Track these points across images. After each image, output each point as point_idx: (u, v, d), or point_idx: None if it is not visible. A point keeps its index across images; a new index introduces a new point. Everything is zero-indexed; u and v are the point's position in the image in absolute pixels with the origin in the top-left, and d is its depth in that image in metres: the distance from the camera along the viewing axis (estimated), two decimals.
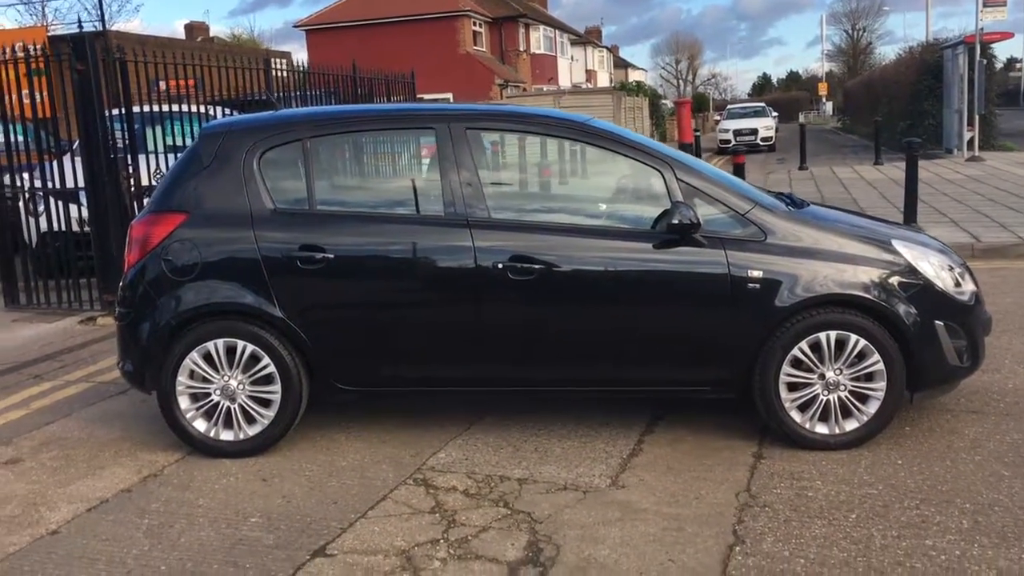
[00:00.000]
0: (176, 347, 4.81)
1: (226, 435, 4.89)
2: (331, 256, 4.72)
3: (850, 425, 4.73)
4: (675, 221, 4.56)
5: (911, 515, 3.99)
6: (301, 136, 4.91)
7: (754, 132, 32.54)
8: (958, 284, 4.88)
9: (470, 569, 3.69)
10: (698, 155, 26.63)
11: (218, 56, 9.87)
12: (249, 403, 4.86)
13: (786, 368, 4.70)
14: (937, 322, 4.72)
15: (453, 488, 4.46)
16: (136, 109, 8.66)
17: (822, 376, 4.70)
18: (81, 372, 6.78)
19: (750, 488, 4.34)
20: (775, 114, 36.66)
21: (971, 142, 22.91)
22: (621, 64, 76.78)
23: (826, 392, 4.71)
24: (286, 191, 4.90)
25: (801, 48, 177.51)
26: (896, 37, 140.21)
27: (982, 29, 22.61)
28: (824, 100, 78.89)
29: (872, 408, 4.71)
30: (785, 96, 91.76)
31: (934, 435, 4.89)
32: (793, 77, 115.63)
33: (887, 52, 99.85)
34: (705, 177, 4.84)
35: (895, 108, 29.56)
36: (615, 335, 4.77)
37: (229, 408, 4.86)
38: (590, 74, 59.40)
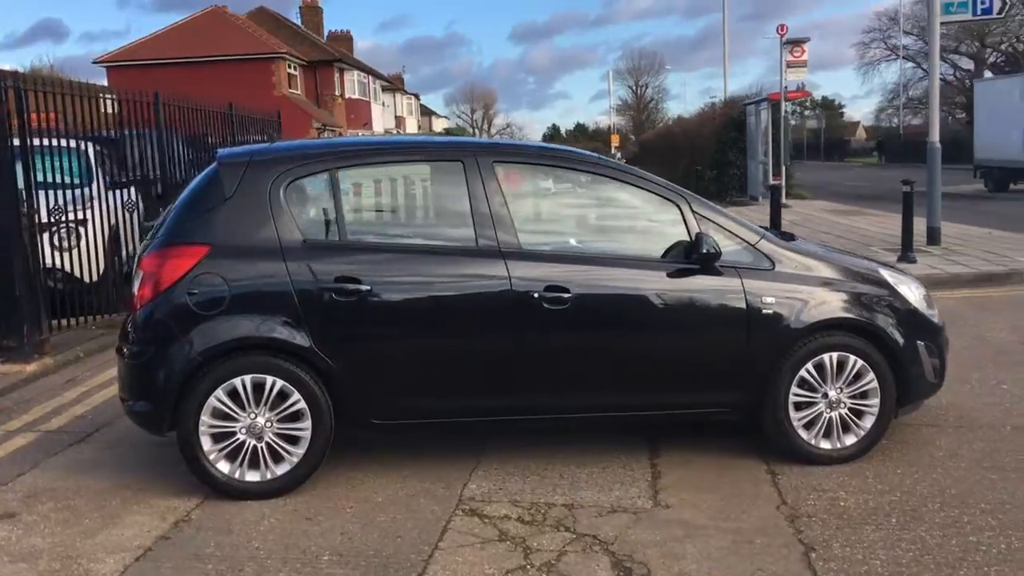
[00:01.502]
0: (201, 385, 4.59)
1: (252, 476, 4.69)
2: (367, 288, 4.67)
3: (849, 440, 5.11)
4: (704, 250, 4.82)
5: (942, 517, 4.38)
6: (328, 167, 4.85)
7: None
8: (929, 307, 5.40)
9: None
10: None
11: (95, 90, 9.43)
12: (277, 441, 4.69)
13: (794, 389, 5.03)
14: (919, 342, 5.20)
15: (506, 516, 4.49)
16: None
17: (825, 395, 5.06)
18: (16, 422, 6.24)
19: (786, 501, 4.61)
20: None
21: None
22: (426, 111, 77.76)
23: (829, 410, 5.07)
24: (314, 222, 4.83)
25: (585, 102, 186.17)
26: (671, 95, 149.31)
27: (787, 87, 24.66)
28: (615, 151, 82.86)
29: (868, 423, 5.11)
30: (578, 147, 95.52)
31: (911, 448, 5.34)
32: (580, 129, 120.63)
33: (671, 108, 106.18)
34: (716, 210, 5.15)
35: (699, 159, 31.44)
36: (644, 361, 4.96)
37: (255, 447, 4.68)
38: (400, 120, 59.78)
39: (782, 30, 24.30)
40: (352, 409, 4.77)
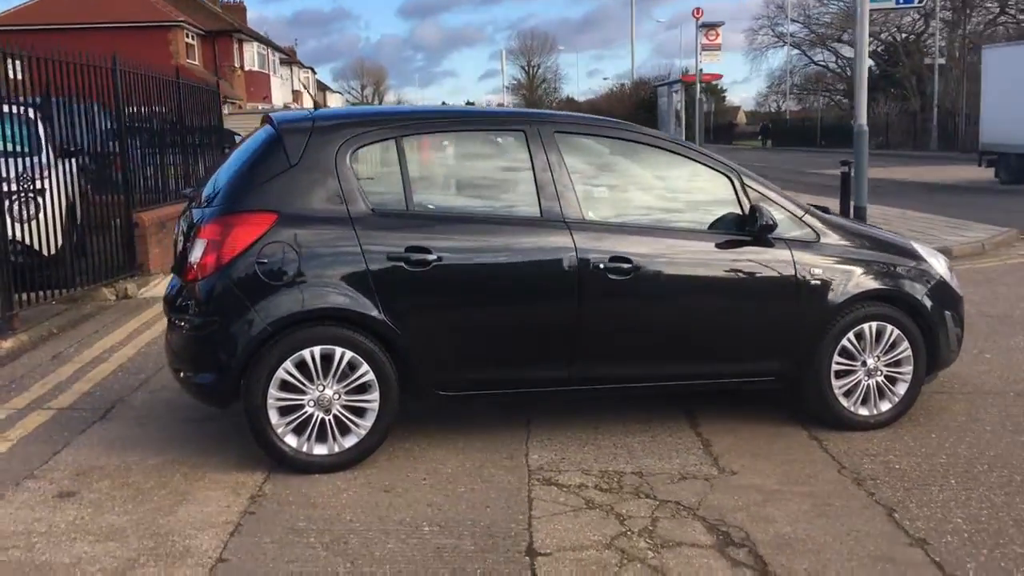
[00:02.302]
0: (269, 357, 4.46)
1: (319, 449, 4.59)
2: (438, 258, 4.61)
3: (885, 406, 5.31)
4: (763, 222, 4.93)
5: (995, 477, 4.60)
6: (393, 134, 4.76)
7: None
8: (953, 279, 5.64)
9: (685, 555, 3.80)
10: None
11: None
12: (345, 414, 4.60)
13: (836, 357, 5.19)
14: (946, 312, 5.43)
15: (582, 485, 4.51)
16: None
17: (864, 363, 5.24)
18: (20, 400, 5.92)
19: (844, 466, 4.76)
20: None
21: None
22: (321, 86, 76.24)
23: (867, 378, 5.26)
24: (381, 191, 4.72)
25: (474, 80, 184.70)
26: (560, 75, 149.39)
27: (701, 70, 25.20)
28: None
29: (901, 390, 5.32)
30: None
31: (932, 414, 5.57)
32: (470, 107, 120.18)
33: (562, 88, 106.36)
34: (764, 183, 5.26)
35: None
36: (700, 331, 5.05)
37: (323, 420, 4.57)
38: (296, 94, 58.42)
39: (698, 14, 24.78)
40: (418, 380, 4.71)
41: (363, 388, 4.61)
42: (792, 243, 5.12)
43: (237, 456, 4.78)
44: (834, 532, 4.01)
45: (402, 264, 4.57)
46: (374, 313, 4.54)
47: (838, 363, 5.20)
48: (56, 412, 5.66)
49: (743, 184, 5.14)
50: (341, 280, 4.53)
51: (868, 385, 5.27)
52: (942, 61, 48.15)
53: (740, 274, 5.05)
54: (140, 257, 9.76)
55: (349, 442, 4.62)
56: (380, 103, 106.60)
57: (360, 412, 4.63)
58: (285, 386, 4.51)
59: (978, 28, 54.02)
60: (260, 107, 41.23)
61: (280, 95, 51.93)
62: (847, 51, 65.21)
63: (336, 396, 4.57)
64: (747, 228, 5.03)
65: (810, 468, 4.75)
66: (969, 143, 43.45)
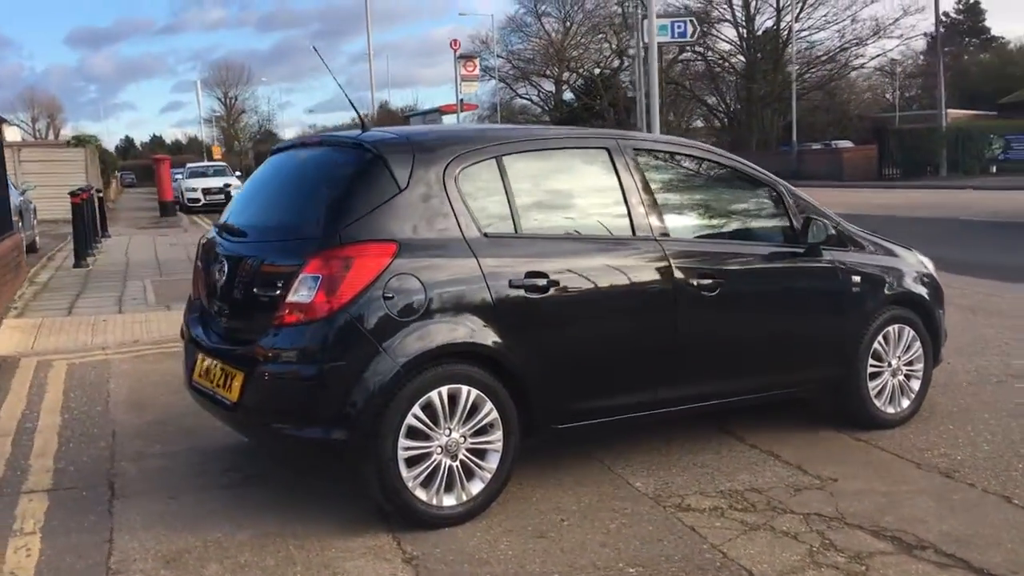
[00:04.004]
0: (398, 402, 3.98)
1: (448, 500, 4.15)
2: (556, 282, 4.34)
3: (905, 403, 5.65)
4: (829, 232, 5.10)
5: None
6: (493, 153, 4.42)
7: (223, 189, 32.29)
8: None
9: (889, 563, 3.79)
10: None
11: None
12: (470, 458, 4.20)
13: (871, 360, 5.47)
14: (939, 311, 5.89)
15: (717, 508, 4.40)
16: None
17: (889, 364, 5.55)
18: None
19: (919, 463, 4.97)
20: (238, 173, 37.00)
21: None
22: None
23: (892, 378, 5.57)
24: (487, 213, 4.36)
25: (155, 113, 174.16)
26: (251, 107, 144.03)
27: (462, 100, 25.61)
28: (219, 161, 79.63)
29: (916, 387, 5.69)
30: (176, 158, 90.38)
31: (928, 409, 5.89)
32: (157, 141, 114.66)
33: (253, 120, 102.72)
34: (803, 195, 5.43)
35: None
36: (773, 343, 5.12)
37: (451, 467, 4.15)
38: None
39: (455, 45, 25.21)
40: (535, 416, 4.39)
41: (484, 429, 4.23)
42: (833, 253, 5.32)
43: (336, 519, 4.23)
44: (988, 523, 4.16)
45: (522, 291, 4.26)
46: (500, 347, 4.19)
47: (872, 366, 5.46)
48: (49, 494, 4.68)
49: (789, 196, 5.29)
50: (467, 312, 4.13)
51: (892, 384, 5.57)
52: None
53: (804, 285, 5.19)
54: None
55: (475, 488, 4.22)
56: (56, 136, 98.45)
57: (483, 455, 4.24)
58: (413, 433, 4.04)
59: (664, 64, 58.99)
60: None
61: None
62: (547, 85, 68.90)
63: (463, 439, 4.16)
64: (801, 239, 5.17)
65: (892, 467, 4.92)
66: None
